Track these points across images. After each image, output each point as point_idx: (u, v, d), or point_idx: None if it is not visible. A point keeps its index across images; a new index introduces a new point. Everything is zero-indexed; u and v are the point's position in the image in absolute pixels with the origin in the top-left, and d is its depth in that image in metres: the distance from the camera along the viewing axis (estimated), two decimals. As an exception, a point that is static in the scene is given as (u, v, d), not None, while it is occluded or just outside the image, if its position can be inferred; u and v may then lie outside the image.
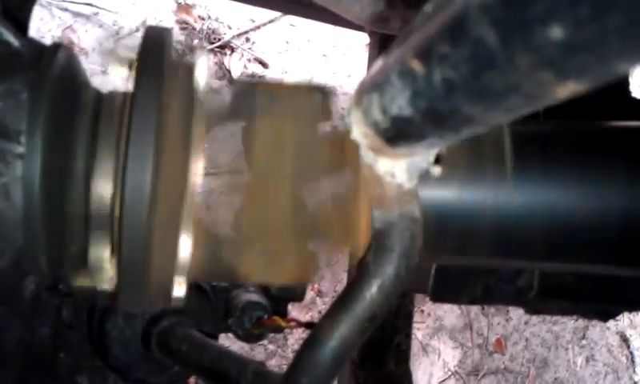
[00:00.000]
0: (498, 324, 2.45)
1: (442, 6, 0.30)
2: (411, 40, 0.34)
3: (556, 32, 0.21)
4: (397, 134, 0.42)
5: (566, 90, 0.25)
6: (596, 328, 2.50)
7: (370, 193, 0.53)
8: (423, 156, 0.49)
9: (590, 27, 0.20)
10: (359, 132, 0.48)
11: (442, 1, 0.30)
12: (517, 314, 2.45)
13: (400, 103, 0.37)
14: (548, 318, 2.47)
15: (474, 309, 2.42)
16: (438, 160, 0.50)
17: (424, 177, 0.52)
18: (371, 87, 0.42)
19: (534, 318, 2.46)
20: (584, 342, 2.49)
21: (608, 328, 2.51)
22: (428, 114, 0.35)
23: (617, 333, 2.52)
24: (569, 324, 2.49)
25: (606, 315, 0.92)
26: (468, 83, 0.29)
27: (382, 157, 0.50)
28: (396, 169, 0.50)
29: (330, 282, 2.17)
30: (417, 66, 0.33)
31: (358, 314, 0.52)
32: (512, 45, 0.24)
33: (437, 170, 0.50)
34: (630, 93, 0.89)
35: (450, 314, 2.39)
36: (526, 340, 2.46)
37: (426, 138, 0.39)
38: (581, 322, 2.48)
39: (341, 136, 0.54)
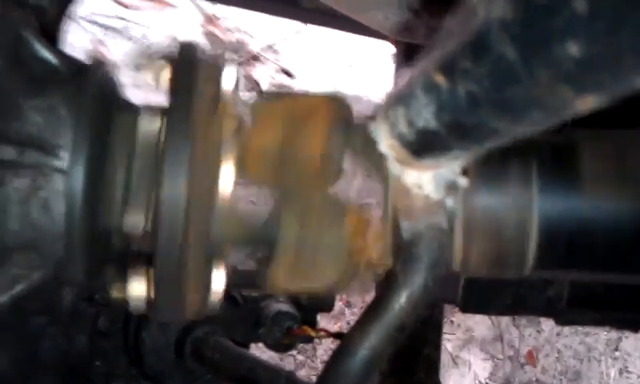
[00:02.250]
0: (530, 335, 2.42)
1: (463, 22, 0.31)
2: (435, 55, 0.35)
3: (573, 48, 0.22)
4: (423, 147, 0.43)
5: (586, 103, 0.26)
6: (629, 339, 2.45)
7: (398, 204, 0.53)
8: (449, 167, 0.50)
9: (606, 43, 0.21)
10: (386, 144, 0.49)
11: (464, 17, 0.31)
12: (548, 325, 2.42)
13: (425, 116, 0.38)
14: (580, 329, 2.44)
15: (505, 320, 2.39)
16: (464, 171, 0.51)
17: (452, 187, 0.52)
18: (397, 100, 0.43)
19: (566, 330, 2.42)
20: (617, 353, 2.45)
21: (642, 339, 2.47)
22: (453, 127, 0.36)
23: (651, 344, 2.47)
24: (601, 335, 2.44)
25: (637, 325, 0.91)
26: (491, 97, 0.30)
27: (408, 168, 0.51)
28: (423, 180, 0.51)
29: (358, 294, 2.18)
30: (441, 80, 0.34)
31: (387, 324, 0.53)
32: (531, 60, 0.25)
33: (463, 182, 0.51)
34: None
35: (480, 325, 2.37)
36: (558, 352, 2.43)
37: (451, 150, 0.40)
38: (614, 334, 2.44)
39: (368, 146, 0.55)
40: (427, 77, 0.36)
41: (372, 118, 0.52)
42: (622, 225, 0.54)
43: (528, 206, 0.53)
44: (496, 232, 0.54)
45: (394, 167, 0.51)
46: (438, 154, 0.43)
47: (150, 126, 0.54)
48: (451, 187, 0.51)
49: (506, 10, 0.25)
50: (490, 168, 0.55)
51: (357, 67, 2.51)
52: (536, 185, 0.53)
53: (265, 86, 2.37)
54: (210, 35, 2.39)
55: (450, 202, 0.53)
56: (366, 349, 0.52)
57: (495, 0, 0.26)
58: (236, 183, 0.53)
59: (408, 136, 0.43)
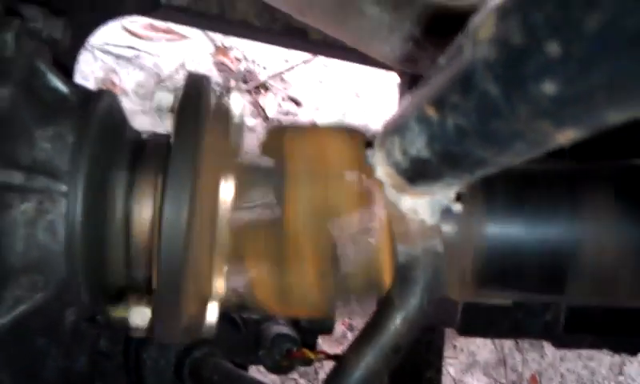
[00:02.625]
0: (533, 360, 2.41)
1: (452, 60, 0.32)
2: (427, 89, 0.37)
3: (549, 87, 0.24)
4: (416, 174, 0.45)
5: (566, 136, 0.27)
6: (633, 364, 2.44)
7: (395, 229, 0.55)
8: (443, 194, 0.51)
9: (578, 83, 0.23)
10: (383, 171, 0.51)
11: (453, 55, 0.32)
12: (552, 349, 2.41)
13: (418, 146, 0.40)
14: (584, 353, 2.43)
15: (508, 344, 2.39)
16: (459, 197, 0.52)
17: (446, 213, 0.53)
18: (393, 130, 0.45)
19: (569, 354, 2.41)
20: (621, 378, 2.44)
21: (646, 364, 2.45)
22: (443, 156, 0.38)
23: (655, 369, 2.46)
24: (605, 360, 2.43)
25: (635, 349, 0.92)
26: (477, 130, 0.31)
27: (404, 195, 0.52)
28: (418, 206, 0.53)
29: (360, 317, 2.17)
30: (432, 112, 0.35)
31: (383, 345, 0.54)
32: (513, 97, 0.27)
33: (457, 207, 0.52)
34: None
35: (483, 349, 2.36)
36: (562, 376, 2.42)
37: (443, 177, 0.42)
38: (617, 358, 2.43)
39: (367, 176, 0.56)
40: (420, 109, 0.38)
41: (370, 146, 0.53)
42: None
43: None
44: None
45: (390, 193, 0.53)
46: (431, 182, 0.45)
47: (153, 154, 0.56)
48: (445, 213, 0.53)
49: (490, 51, 0.27)
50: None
51: (364, 97, 2.53)
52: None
53: (272, 114, 2.39)
54: (219, 65, 2.43)
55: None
56: (361, 369, 0.54)
57: (480, 41, 0.28)
58: (236, 208, 0.54)
59: (402, 164, 0.45)
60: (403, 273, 0.55)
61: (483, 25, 0.27)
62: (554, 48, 0.22)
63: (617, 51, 0.20)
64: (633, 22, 0.19)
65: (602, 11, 0.19)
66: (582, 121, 0.25)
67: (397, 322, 0.54)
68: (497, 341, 2.35)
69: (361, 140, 0.57)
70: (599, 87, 0.22)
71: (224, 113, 0.56)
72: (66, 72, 0.63)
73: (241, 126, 0.57)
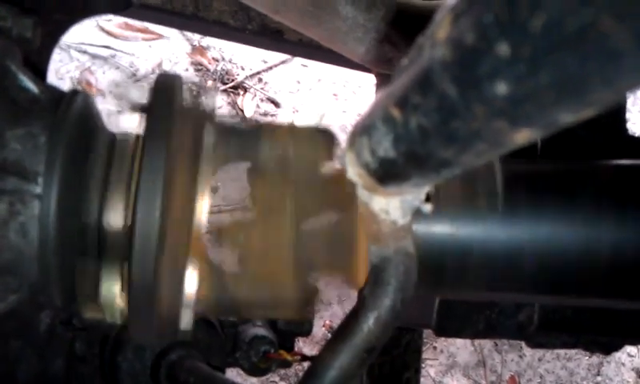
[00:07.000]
0: (512, 360, 2.43)
1: (414, 60, 0.33)
2: (392, 89, 0.38)
3: (502, 87, 0.24)
4: (385, 175, 0.45)
5: (523, 136, 0.28)
6: (611, 364, 2.47)
7: (367, 229, 0.55)
8: (414, 194, 0.52)
9: (528, 83, 0.23)
10: (353, 172, 0.51)
11: (415, 56, 0.33)
12: (531, 350, 2.44)
13: (385, 146, 0.40)
14: (562, 354, 2.45)
15: (488, 345, 2.41)
16: (428, 198, 0.53)
17: (417, 213, 0.54)
18: (362, 130, 0.46)
19: (548, 355, 2.44)
20: (599, 378, 2.46)
21: (623, 364, 2.49)
22: (409, 156, 0.38)
23: (632, 369, 2.49)
24: (583, 360, 2.46)
25: (608, 348, 0.93)
26: (438, 130, 0.32)
27: (376, 195, 0.53)
28: (390, 206, 0.53)
29: (341, 319, 2.18)
30: (396, 113, 0.36)
31: (356, 345, 0.55)
32: (469, 97, 0.27)
33: (427, 208, 0.53)
34: (626, 131, 0.91)
35: (463, 350, 2.38)
36: (541, 377, 2.44)
37: (410, 178, 0.42)
38: (595, 359, 2.46)
39: (341, 175, 0.57)
40: (385, 109, 0.38)
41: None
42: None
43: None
44: None
45: (362, 194, 0.53)
46: (400, 182, 0.45)
47: (126, 153, 0.56)
48: (416, 213, 0.54)
49: (446, 51, 0.27)
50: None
51: (342, 98, 2.54)
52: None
53: (250, 115, 2.40)
54: (196, 64, 2.42)
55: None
56: (335, 370, 0.54)
57: (437, 42, 0.28)
58: (212, 204, 0.54)
59: (371, 164, 0.45)
60: (375, 273, 0.55)
61: (440, 25, 0.28)
62: (503, 48, 0.23)
63: (561, 51, 0.21)
64: (575, 22, 0.20)
65: (546, 11, 0.20)
66: (535, 121, 0.26)
67: (370, 322, 0.55)
68: (476, 342, 2.37)
69: (334, 140, 0.58)
70: (548, 87, 0.23)
71: (197, 110, 0.56)
72: (38, 72, 0.62)
73: (214, 122, 0.57)
